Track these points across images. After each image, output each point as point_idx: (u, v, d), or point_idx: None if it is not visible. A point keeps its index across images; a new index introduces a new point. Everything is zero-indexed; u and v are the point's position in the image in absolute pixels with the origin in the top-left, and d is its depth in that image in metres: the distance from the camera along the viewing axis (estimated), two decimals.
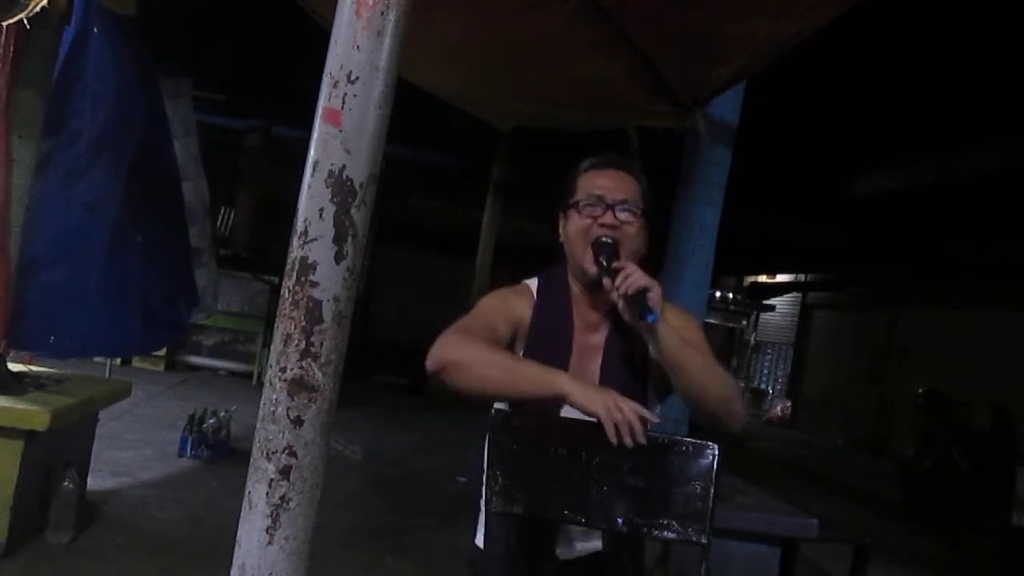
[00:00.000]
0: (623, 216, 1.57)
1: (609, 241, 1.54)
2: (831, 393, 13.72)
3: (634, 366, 1.56)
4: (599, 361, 1.57)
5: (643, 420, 1.36)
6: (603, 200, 1.58)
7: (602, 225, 1.56)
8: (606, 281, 1.47)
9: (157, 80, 4.08)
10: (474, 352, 1.44)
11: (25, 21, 2.72)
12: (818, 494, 7.73)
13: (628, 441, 1.33)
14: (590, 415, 1.35)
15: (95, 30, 3.41)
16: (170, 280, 4.17)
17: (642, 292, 1.42)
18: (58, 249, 3.45)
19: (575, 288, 1.63)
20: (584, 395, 1.36)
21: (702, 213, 3.47)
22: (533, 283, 1.67)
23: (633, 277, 1.43)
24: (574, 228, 1.60)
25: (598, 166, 1.64)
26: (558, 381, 1.39)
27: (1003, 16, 5.24)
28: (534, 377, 1.41)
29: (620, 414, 1.34)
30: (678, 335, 1.46)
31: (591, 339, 1.60)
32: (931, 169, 8.18)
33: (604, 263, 1.51)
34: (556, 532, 1.52)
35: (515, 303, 1.62)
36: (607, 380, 1.52)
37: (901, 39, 5.94)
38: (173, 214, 4.26)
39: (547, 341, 1.55)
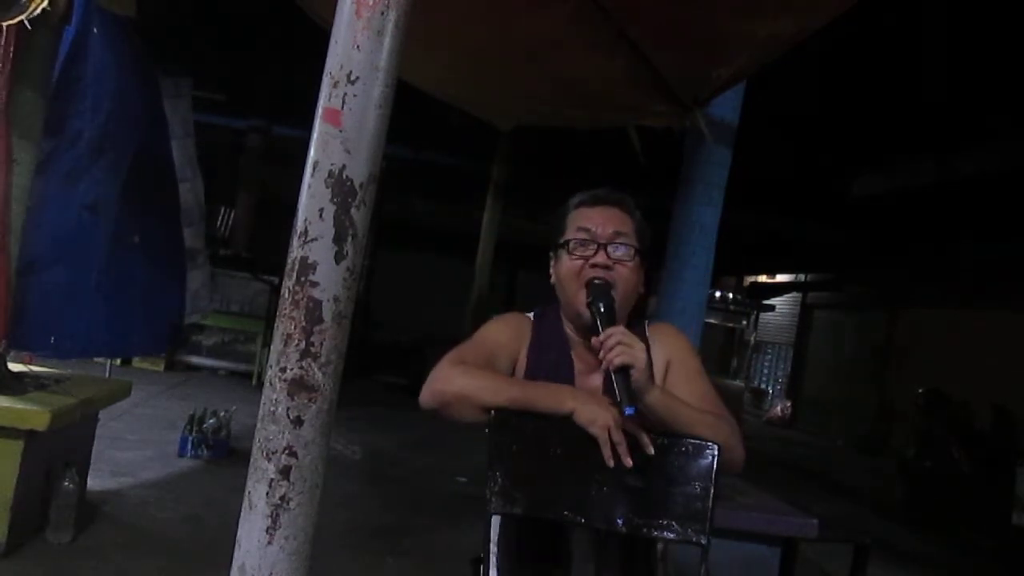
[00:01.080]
0: (616, 254, 1.50)
1: (601, 282, 1.47)
2: (831, 393, 13.72)
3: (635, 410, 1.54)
4: (600, 392, 1.53)
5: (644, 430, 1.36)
6: (594, 237, 1.50)
7: (594, 265, 1.49)
8: (594, 340, 1.39)
9: (157, 80, 4.08)
10: (477, 382, 1.42)
11: (26, 22, 2.72)
12: (818, 494, 7.72)
13: (627, 462, 1.34)
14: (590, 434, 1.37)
15: (94, 30, 3.41)
16: (167, 281, 4.17)
17: (624, 369, 1.33)
18: (59, 249, 3.46)
19: (569, 331, 1.58)
20: (586, 414, 1.37)
21: (702, 213, 3.47)
22: (532, 317, 1.63)
23: (615, 351, 1.33)
24: (565, 270, 1.52)
25: (588, 202, 1.56)
26: (565, 400, 1.39)
27: (1004, 15, 5.23)
28: (542, 401, 1.40)
29: (618, 435, 1.35)
30: (666, 396, 1.41)
31: (590, 381, 1.55)
32: (931, 169, 8.18)
33: (597, 310, 1.43)
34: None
35: (517, 335, 1.57)
36: None
37: (901, 38, 5.94)
38: (170, 215, 4.26)
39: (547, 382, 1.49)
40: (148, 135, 3.90)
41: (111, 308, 3.65)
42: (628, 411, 1.32)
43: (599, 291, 1.46)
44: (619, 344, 1.33)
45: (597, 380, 1.55)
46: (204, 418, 5.10)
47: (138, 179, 3.75)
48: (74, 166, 3.46)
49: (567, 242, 1.53)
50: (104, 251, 3.59)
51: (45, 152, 3.30)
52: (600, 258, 1.49)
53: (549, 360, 1.55)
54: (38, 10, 2.68)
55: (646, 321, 1.64)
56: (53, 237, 3.43)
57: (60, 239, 3.46)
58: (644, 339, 1.58)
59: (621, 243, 1.51)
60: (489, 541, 1.49)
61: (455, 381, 1.43)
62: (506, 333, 1.57)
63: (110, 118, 3.54)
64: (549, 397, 1.41)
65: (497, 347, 1.54)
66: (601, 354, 1.36)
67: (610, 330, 1.38)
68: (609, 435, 1.35)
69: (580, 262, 1.50)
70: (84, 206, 3.51)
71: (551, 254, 1.59)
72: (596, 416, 1.36)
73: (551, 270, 1.59)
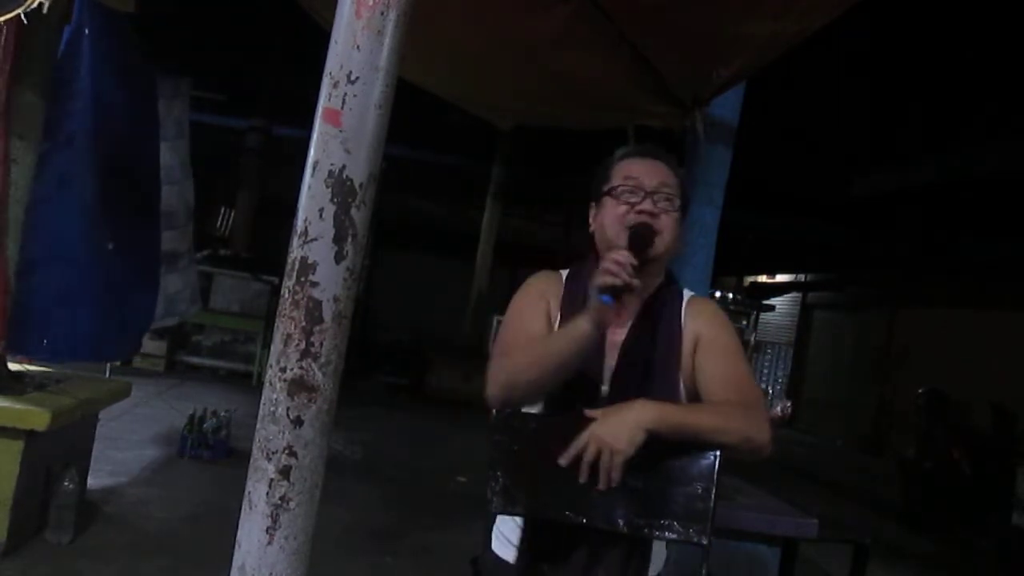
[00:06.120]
0: (661, 205, 1.51)
1: (647, 227, 1.48)
2: (831, 393, 13.71)
3: (651, 369, 1.50)
4: (615, 358, 1.51)
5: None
6: (641, 186, 1.51)
7: (640, 212, 1.49)
8: (610, 255, 1.40)
9: (153, 80, 4.06)
10: (512, 367, 1.44)
11: (23, 17, 2.70)
12: (818, 494, 7.73)
13: (583, 477, 1.33)
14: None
15: (87, 31, 3.39)
16: (144, 285, 4.13)
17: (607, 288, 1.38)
18: (51, 251, 3.41)
19: None
20: (594, 299, 1.37)
21: (702, 213, 3.46)
22: (564, 273, 1.63)
23: (609, 275, 1.37)
24: (609, 214, 1.53)
25: (635, 154, 1.58)
26: (578, 324, 1.40)
27: (1003, 15, 5.23)
28: (566, 347, 1.41)
29: (617, 259, 1.35)
30: (671, 416, 1.37)
31: (617, 335, 1.53)
32: (931, 169, 8.18)
33: (635, 236, 1.46)
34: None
35: (545, 294, 1.58)
36: (618, 381, 1.48)
37: (901, 39, 5.94)
38: (150, 218, 4.21)
39: None
40: (137, 136, 3.87)
41: (98, 311, 3.63)
42: (605, 299, 1.36)
43: (643, 230, 1.47)
44: (616, 267, 1.36)
45: (620, 334, 1.53)
46: (204, 418, 5.09)
47: (124, 181, 3.72)
48: (67, 167, 3.41)
49: (613, 188, 1.54)
50: (94, 254, 3.56)
51: (39, 154, 3.28)
52: (646, 205, 1.50)
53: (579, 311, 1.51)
54: (34, 4, 2.66)
55: (685, 289, 1.62)
56: (46, 239, 3.38)
57: (53, 241, 3.42)
58: (677, 306, 1.58)
59: (667, 193, 1.52)
60: (489, 541, 1.49)
61: (499, 378, 1.45)
62: (533, 298, 1.58)
63: (103, 119, 3.50)
64: (567, 336, 1.42)
65: (534, 316, 1.55)
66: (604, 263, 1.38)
67: (625, 254, 1.39)
68: (615, 269, 1.35)
69: (625, 207, 1.51)
70: (77, 208, 3.47)
71: (592, 204, 1.60)
72: (598, 278, 1.37)
73: (591, 219, 1.60)
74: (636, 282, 1.36)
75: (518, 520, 1.52)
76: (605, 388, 1.49)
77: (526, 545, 1.47)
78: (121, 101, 3.67)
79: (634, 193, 1.51)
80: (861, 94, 7.11)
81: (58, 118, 3.36)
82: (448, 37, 2.88)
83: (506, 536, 1.54)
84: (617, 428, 1.33)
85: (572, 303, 1.55)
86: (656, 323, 1.53)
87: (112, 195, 3.62)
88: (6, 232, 3.08)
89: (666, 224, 1.50)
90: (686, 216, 1.58)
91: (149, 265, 4.19)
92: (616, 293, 1.35)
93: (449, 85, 3.76)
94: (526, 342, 1.50)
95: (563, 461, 1.34)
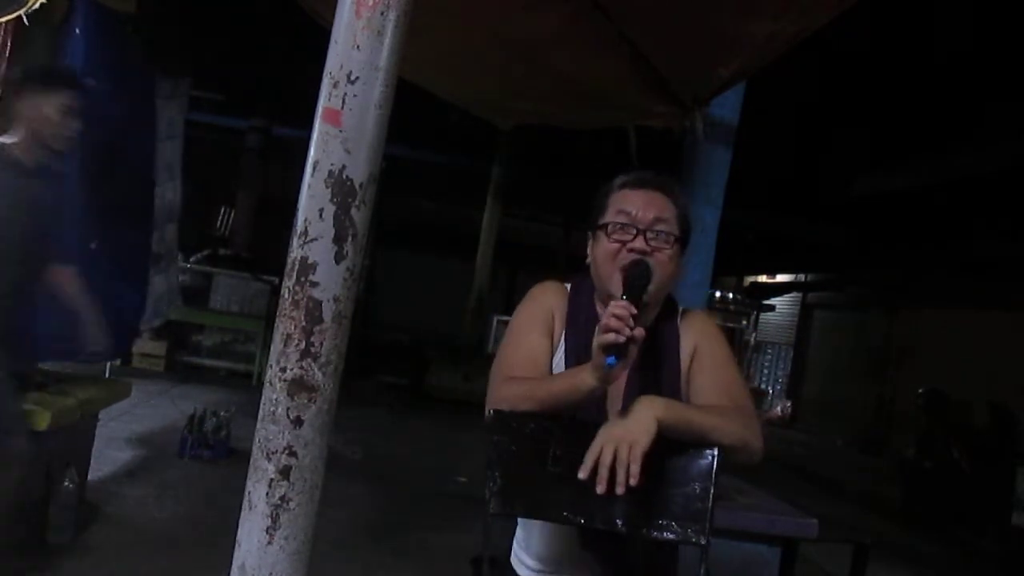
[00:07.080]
0: (655, 241, 1.48)
1: (642, 261, 1.44)
2: (831, 393, 13.72)
3: (659, 390, 1.49)
4: (623, 383, 1.49)
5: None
6: (634, 222, 1.48)
7: (631, 250, 1.47)
8: (612, 303, 1.34)
9: (151, 81, 4.04)
10: (512, 398, 1.44)
11: (24, 18, 2.71)
12: (818, 494, 7.73)
13: (601, 488, 1.30)
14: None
15: (77, 30, 3.38)
16: (129, 285, 4.10)
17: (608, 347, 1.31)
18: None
19: (600, 310, 1.54)
20: (596, 353, 1.32)
21: (702, 213, 3.46)
22: (569, 286, 1.62)
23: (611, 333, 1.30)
24: (602, 252, 1.51)
25: (632, 184, 1.54)
26: (583, 378, 1.37)
27: (1003, 15, 5.23)
28: (565, 396, 1.41)
29: (620, 315, 1.29)
30: (675, 410, 1.38)
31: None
32: (931, 169, 8.18)
33: (627, 280, 1.41)
34: None
35: (549, 312, 1.56)
36: (629, 402, 1.46)
37: (902, 39, 5.94)
38: (140, 219, 4.18)
39: (581, 360, 1.45)
40: (131, 136, 3.84)
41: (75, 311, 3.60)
42: (610, 361, 1.30)
43: (636, 270, 1.43)
44: (617, 323, 1.29)
45: (626, 375, 1.51)
46: (204, 418, 5.09)
47: (115, 181, 3.69)
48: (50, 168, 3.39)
49: (606, 225, 1.51)
50: (78, 254, 3.53)
51: None
52: (638, 243, 1.47)
53: (584, 339, 1.49)
54: (36, 5, 2.66)
55: (680, 308, 1.62)
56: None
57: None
58: (675, 326, 1.58)
59: (661, 229, 1.49)
60: (488, 542, 1.48)
61: (499, 405, 1.45)
62: (536, 312, 1.57)
63: (91, 119, 3.48)
64: (570, 384, 1.40)
65: (532, 336, 1.54)
66: (603, 320, 1.32)
67: (624, 305, 1.32)
68: (615, 326, 1.29)
69: (617, 246, 1.48)
70: (60, 208, 3.45)
71: (589, 234, 1.57)
72: (599, 337, 1.31)
73: (588, 250, 1.57)
74: (640, 332, 1.30)
75: (533, 544, 1.54)
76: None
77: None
78: (114, 101, 3.65)
79: (626, 230, 1.48)
80: (861, 94, 7.11)
81: None
82: (448, 37, 2.88)
83: (522, 560, 1.55)
84: (629, 422, 1.33)
85: (576, 320, 1.55)
86: (660, 358, 1.53)
87: (101, 195, 3.60)
88: None
89: (660, 261, 1.47)
90: (686, 247, 1.55)
91: (137, 266, 4.18)
92: (620, 352, 1.30)
93: (449, 85, 3.76)
94: (525, 362, 1.50)
95: (583, 474, 1.31)
